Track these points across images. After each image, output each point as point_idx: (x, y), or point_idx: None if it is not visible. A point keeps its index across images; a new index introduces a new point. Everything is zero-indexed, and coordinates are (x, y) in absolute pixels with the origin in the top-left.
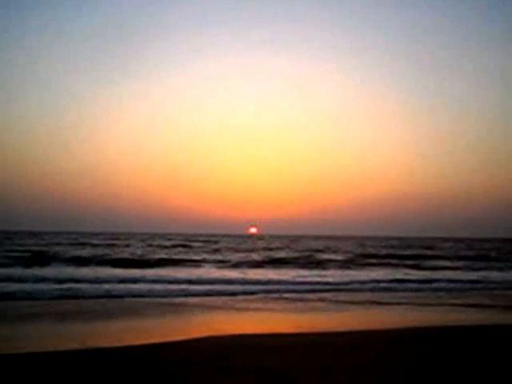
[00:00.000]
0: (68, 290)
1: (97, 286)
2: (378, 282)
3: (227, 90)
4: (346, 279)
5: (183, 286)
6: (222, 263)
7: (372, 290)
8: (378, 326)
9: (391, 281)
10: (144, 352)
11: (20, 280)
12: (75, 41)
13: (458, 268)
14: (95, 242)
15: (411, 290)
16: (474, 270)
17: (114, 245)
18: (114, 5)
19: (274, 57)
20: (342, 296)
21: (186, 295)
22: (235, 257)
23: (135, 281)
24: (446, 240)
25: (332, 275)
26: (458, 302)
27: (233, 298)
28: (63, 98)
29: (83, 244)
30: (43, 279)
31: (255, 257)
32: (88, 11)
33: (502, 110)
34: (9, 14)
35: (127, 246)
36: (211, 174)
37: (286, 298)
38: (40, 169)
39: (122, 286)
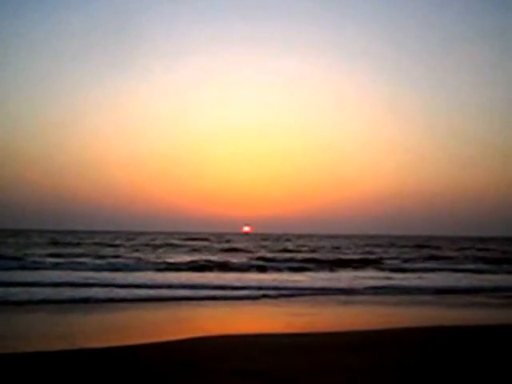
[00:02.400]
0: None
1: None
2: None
3: (221, 88)
4: (319, 283)
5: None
6: (206, 264)
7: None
8: (375, 327)
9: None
10: (134, 353)
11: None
12: (67, 37)
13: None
14: (88, 241)
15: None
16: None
17: (109, 245)
18: (106, 1)
19: (268, 54)
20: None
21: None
22: (226, 257)
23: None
24: (440, 238)
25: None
26: (453, 301)
27: (223, 302)
28: (55, 93)
29: (73, 244)
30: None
31: (245, 258)
32: (80, 8)
33: (500, 106)
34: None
35: (117, 245)
36: (205, 172)
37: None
38: (30, 165)
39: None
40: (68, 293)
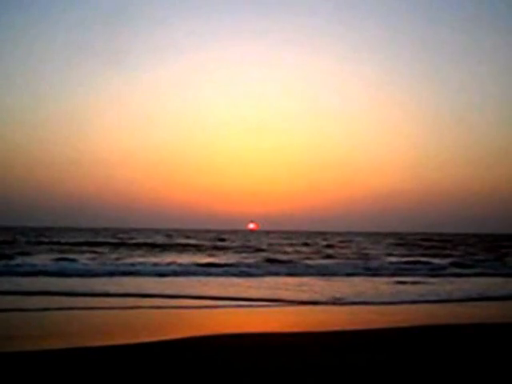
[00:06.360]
0: None
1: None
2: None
3: (227, 82)
4: None
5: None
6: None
7: None
8: (373, 325)
9: None
10: (135, 351)
11: None
12: (65, 31)
13: None
14: (90, 240)
15: None
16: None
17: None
18: None
19: (273, 47)
20: None
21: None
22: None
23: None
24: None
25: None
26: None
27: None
28: (54, 88)
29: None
30: None
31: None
32: (78, 1)
33: (505, 104)
34: None
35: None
36: (209, 169)
37: None
38: (29, 161)
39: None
40: None
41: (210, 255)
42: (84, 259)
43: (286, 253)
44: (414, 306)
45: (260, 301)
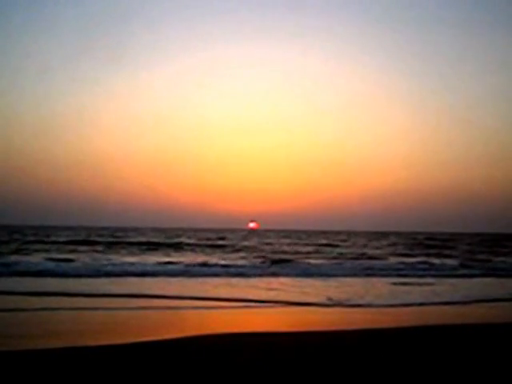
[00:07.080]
0: None
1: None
2: None
3: (227, 81)
4: None
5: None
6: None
7: None
8: (372, 326)
9: None
10: (134, 351)
11: None
12: (66, 32)
13: None
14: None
15: None
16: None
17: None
18: None
19: (271, 47)
20: None
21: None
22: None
23: None
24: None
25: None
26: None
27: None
28: (55, 88)
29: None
30: None
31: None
32: (77, 2)
33: (505, 104)
34: None
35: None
36: (210, 168)
37: None
38: (30, 160)
39: None
40: None
41: (210, 254)
42: (80, 258)
43: (286, 252)
44: (414, 307)
45: (259, 302)
